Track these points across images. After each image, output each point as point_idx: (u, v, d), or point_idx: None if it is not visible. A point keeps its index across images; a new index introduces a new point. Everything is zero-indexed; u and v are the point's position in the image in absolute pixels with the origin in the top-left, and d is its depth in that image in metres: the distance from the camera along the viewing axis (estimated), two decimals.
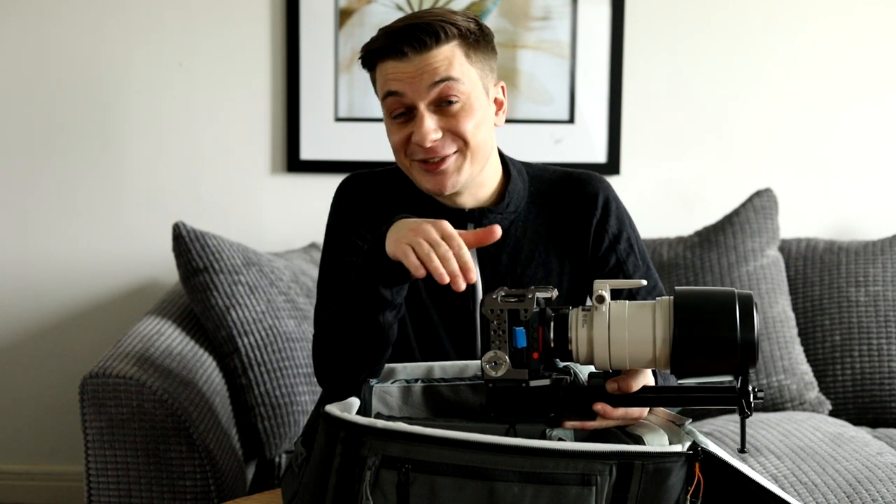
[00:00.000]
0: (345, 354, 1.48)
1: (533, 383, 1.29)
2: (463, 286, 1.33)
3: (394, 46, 1.48)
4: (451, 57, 1.49)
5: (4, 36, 2.67)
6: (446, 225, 1.36)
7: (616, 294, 1.31)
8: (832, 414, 2.43)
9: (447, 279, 1.32)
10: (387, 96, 1.51)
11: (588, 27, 2.69)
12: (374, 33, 1.55)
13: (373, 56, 1.52)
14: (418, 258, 1.33)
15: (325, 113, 2.68)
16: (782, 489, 1.62)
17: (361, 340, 1.45)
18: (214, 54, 2.69)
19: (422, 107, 1.49)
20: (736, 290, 1.24)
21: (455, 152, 1.51)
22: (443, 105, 1.50)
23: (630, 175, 2.76)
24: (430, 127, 1.49)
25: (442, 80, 1.48)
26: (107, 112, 2.69)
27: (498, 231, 1.37)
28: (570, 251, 1.63)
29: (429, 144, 1.49)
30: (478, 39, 1.52)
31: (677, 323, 1.22)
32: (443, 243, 1.33)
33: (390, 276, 1.40)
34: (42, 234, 2.73)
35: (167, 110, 2.70)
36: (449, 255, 1.33)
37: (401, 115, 1.52)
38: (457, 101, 1.50)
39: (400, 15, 2.63)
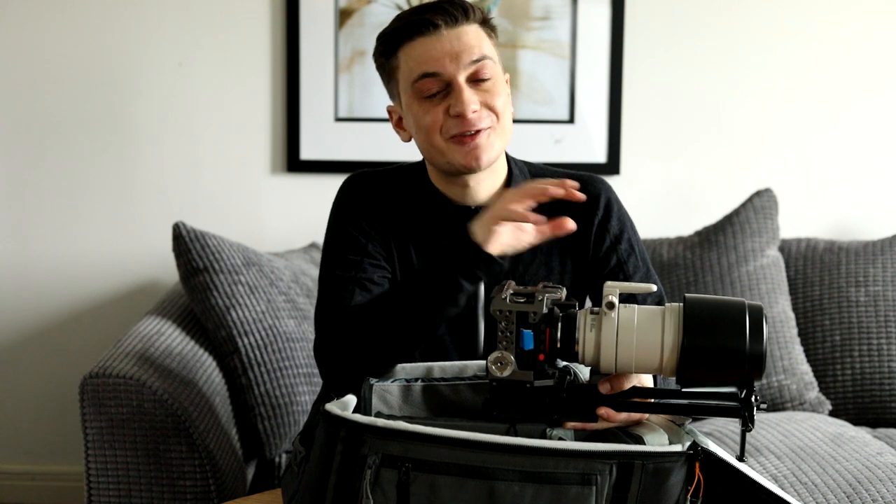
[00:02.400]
0: (385, 347, 1.48)
1: (537, 383, 1.29)
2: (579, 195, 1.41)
3: (426, 21, 1.50)
4: (480, 35, 1.53)
5: (4, 36, 2.67)
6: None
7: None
8: (832, 414, 2.43)
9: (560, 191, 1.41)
10: (421, 78, 1.52)
11: (588, 27, 2.69)
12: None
13: (399, 36, 1.53)
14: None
15: (325, 113, 2.68)
16: (782, 489, 1.62)
17: (415, 335, 1.47)
18: (214, 54, 2.69)
19: (461, 80, 1.51)
20: (746, 301, 1.24)
21: (489, 127, 1.54)
22: (477, 81, 1.53)
23: (630, 175, 2.76)
24: (472, 98, 1.51)
25: (480, 59, 1.52)
26: (107, 112, 2.69)
27: (570, 223, 1.41)
28: (572, 251, 1.63)
29: (470, 115, 1.51)
30: (493, 27, 1.57)
31: (686, 331, 1.22)
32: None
33: (480, 262, 1.43)
34: (42, 234, 2.73)
35: (167, 110, 2.70)
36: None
37: (434, 95, 1.53)
38: (489, 79, 1.54)
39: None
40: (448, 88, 1.52)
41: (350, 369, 1.50)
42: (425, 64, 1.51)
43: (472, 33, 1.52)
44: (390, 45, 1.54)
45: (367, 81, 2.64)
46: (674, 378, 1.26)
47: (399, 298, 1.50)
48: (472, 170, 1.55)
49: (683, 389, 1.29)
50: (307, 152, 2.70)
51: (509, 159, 1.65)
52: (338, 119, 2.68)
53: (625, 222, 1.65)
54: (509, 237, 1.44)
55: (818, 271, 2.54)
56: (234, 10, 2.68)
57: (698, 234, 2.57)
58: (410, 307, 1.48)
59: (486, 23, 1.55)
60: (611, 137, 2.73)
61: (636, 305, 1.27)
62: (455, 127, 1.52)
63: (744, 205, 2.56)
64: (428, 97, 1.53)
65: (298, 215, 2.72)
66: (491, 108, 1.53)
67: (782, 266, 2.54)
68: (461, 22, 1.51)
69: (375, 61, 1.60)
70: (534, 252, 1.61)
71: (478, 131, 1.52)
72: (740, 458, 1.27)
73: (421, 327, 1.47)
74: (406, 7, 2.62)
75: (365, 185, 1.64)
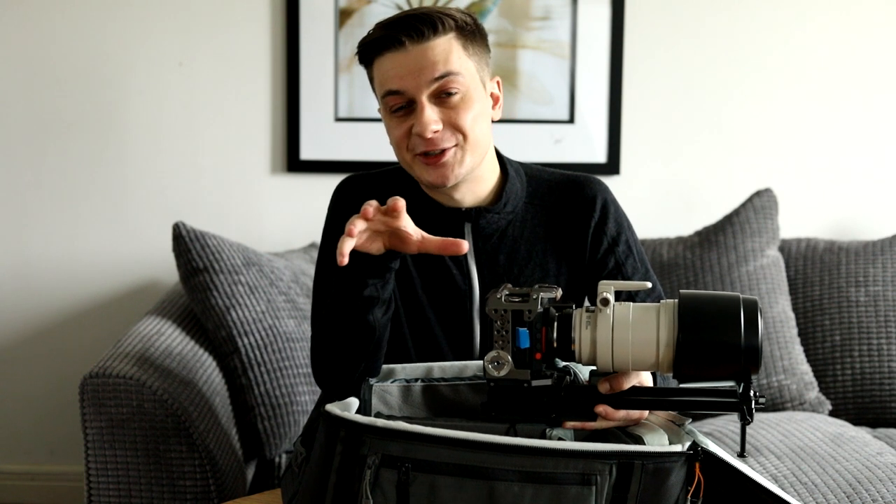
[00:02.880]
0: (338, 354, 1.48)
1: (535, 383, 1.29)
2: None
3: (392, 37, 1.48)
4: (448, 49, 1.49)
5: (4, 36, 2.67)
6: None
7: (616, 295, 1.31)
8: (832, 414, 2.43)
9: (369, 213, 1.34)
10: (386, 95, 1.51)
11: (588, 27, 2.69)
12: None
13: (370, 49, 1.52)
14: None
15: (325, 113, 2.68)
16: (782, 489, 1.62)
17: (353, 340, 1.46)
18: (214, 54, 2.69)
19: (422, 98, 1.49)
20: (741, 295, 1.24)
21: (454, 146, 1.51)
22: (442, 97, 1.50)
23: (630, 175, 2.76)
24: (431, 118, 1.49)
25: (443, 76, 1.48)
26: (107, 112, 2.69)
27: (464, 246, 1.38)
28: (568, 253, 1.62)
29: (429, 135, 1.49)
30: (473, 32, 1.53)
31: (681, 327, 1.22)
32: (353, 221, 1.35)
33: (371, 266, 1.41)
34: (42, 234, 2.73)
35: (167, 110, 2.70)
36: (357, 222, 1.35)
37: (400, 108, 1.52)
38: (456, 93, 1.50)
39: None
40: (412, 105, 1.50)
41: (331, 372, 1.51)
42: (390, 81, 1.50)
43: (439, 47, 1.48)
44: (365, 56, 1.53)
45: (367, 81, 2.63)
46: (672, 376, 1.26)
47: (329, 303, 1.50)
48: (441, 186, 1.54)
49: (682, 385, 1.29)
50: (307, 152, 2.70)
51: (504, 160, 1.64)
52: (338, 119, 2.68)
53: (622, 224, 1.65)
54: (374, 248, 1.39)
55: (818, 271, 2.53)
56: (234, 10, 2.68)
57: (698, 234, 2.57)
58: (337, 312, 1.47)
59: (463, 31, 1.51)
60: (611, 137, 2.73)
61: (631, 303, 1.27)
62: (419, 145, 1.51)
63: (744, 205, 2.56)
64: (395, 111, 1.52)
65: (298, 215, 2.72)
66: (455, 127, 1.50)
67: (782, 266, 2.54)
68: (428, 37, 1.47)
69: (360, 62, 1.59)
70: (529, 254, 1.61)
71: (443, 150, 1.50)
72: (741, 454, 1.27)
73: (352, 331, 1.45)
74: (406, 7, 2.62)
75: (358, 189, 1.64)
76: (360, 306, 1.44)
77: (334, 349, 1.48)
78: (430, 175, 1.53)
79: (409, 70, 1.48)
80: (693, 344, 1.22)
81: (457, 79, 1.49)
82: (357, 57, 1.56)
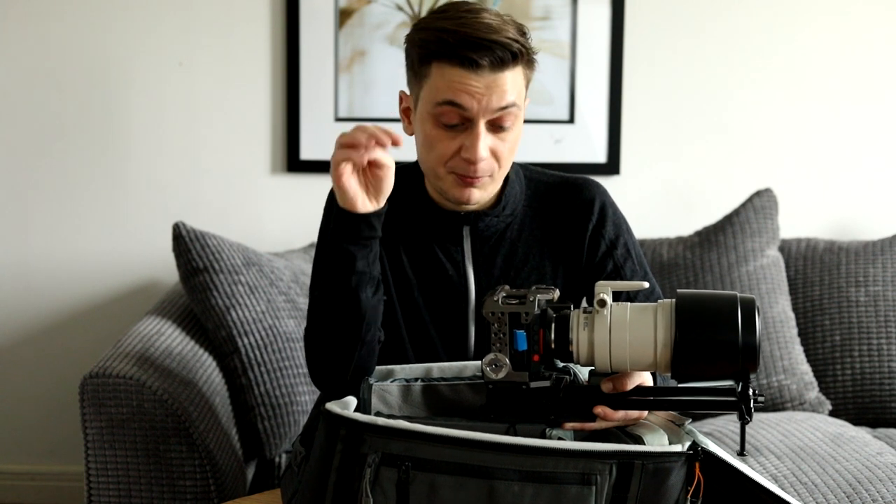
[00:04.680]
0: (331, 341, 1.47)
1: (533, 384, 1.29)
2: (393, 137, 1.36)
3: (470, 58, 1.42)
4: (519, 83, 1.47)
5: (4, 36, 2.67)
6: (345, 134, 1.38)
7: (615, 296, 1.31)
8: (832, 414, 2.43)
9: (385, 140, 1.36)
10: (445, 103, 1.46)
11: (588, 27, 2.69)
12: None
13: (441, 52, 1.45)
14: (347, 163, 1.38)
15: (325, 113, 2.68)
16: (782, 489, 1.62)
17: (345, 321, 1.45)
18: (214, 54, 2.69)
19: (482, 124, 1.46)
20: (738, 294, 1.24)
21: (489, 175, 1.51)
22: (497, 126, 1.48)
23: (630, 175, 2.76)
24: (486, 146, 1.47)
25: (508, 106, 1.46)
26: (107, 112, 2.70)
27: (399, 139, 1.38)
28: (565, 256, 1.62)
29: (479, 163, 1.48)
30: (532, 61, 1.50)
31: (678, 326, 1.22)
32: (352, 134, 1.37)
33: (350, 228, 1.42)
34: (42, 234, 2.73)
35: (167, 110, 2.70)
36: (357, 134, 1.36)
37: (453, 125, 1.48)
38: (510, 127, 1.49)
39: (400, 16, 2.63)
40: (466, 124, 1.47)
41: (323, 364, 1.50)
42: (454, 93, 1.44)
43: (512, 78, 1.45)
44: (426, 53, 1.47)
45: (368, 81, 2.64)
46: (671, 376, 1.26)
47: (316, 282, 1.51)
48: (461, 204, 1.54)
49: (681, 385, 1.29)
50: (307, 152, 2.70)
51: None
52: (338, 119, 2.68)
53: (620, 226, 1.64)
54: (353, 183, 1.40)
55: (818, 271, 2.54)
56: (234, 10, 2.68)
57: (698, 234, 2.57)
58: (324, 290, 1.47)
59: (530, 63, 1.48)
60: (611, 137, 2.73)
61: (628, 303, 1.27)
62: (461, 168, 1.49)
63: (744, 205, 2.56)
64: (444, 125, 1.48)
65: (298, 215, 2.72)
66: (497, 158, 1.50)
67: (782, 266, 2.54)
68: (506, 66, 1.44)
69: (407, 44, 1.52)
70: (526, 256, 1.61)
71: (479, 177, 1.50)
72: (741, 453, 1.27)
73: (339, 306, 1.45)
74: (406, 7, 2.62)
75: None
76: (351, 284, 1.43)
77: (327, 336, 1.47)
78: (459, 193, 1.52)
79: (479, 92, 1.44)
80: (690, 343, 1.22)
81: (516, 112, 1.48)
82: (415, 42, 1.49)
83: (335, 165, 1.39)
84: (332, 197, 1.65)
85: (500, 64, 1.43)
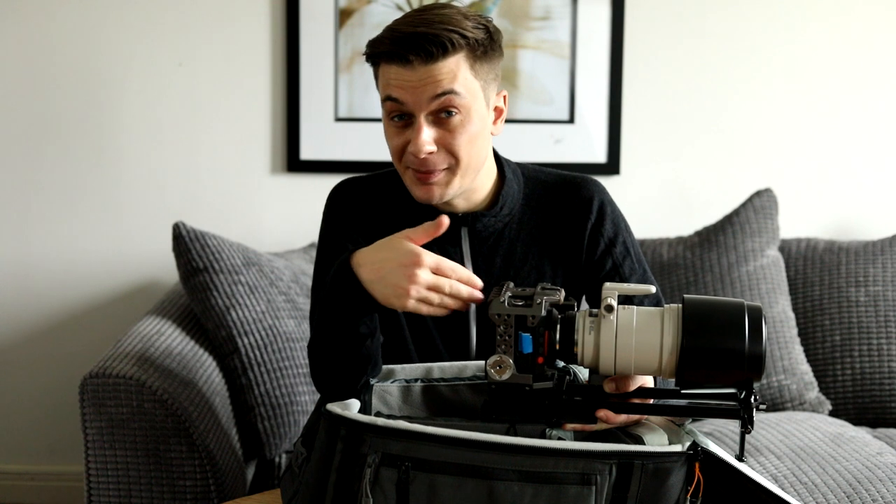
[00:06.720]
0: (336, 373, 1.47)
1: (536, 385, 1.29)
2: (481, 297, 1.35)
3: (399, 53, 1.45)
4: (455, 70, 1.46)
5: (4, 35, 2.67)
6: (426, 256, 1.33)
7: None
8: (832, 414, 2.43)
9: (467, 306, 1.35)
10: (387, 100, 1.50)
11: (588, 27, 2.69)
12: (374, 33, 1.54)
13: (379, 55, 1.50)
14: (432, 306, 1.34)
15: (324, 113, 2.68)
16: (782, 489, 1.62)
17: (348, 365, 1.45)
18: (214, 54, 2.69)
19: (420, 118, 1.47)
20: (746, 302, 1.24)
21: (445, 168, 1.50)
22: (441, 115, 1.48)
23: (630, 175, 2.76)
24: (426, 140, 1.47)
25: (443, 94, 1.46)
26: (107, 112, 2.70)
27: (445, 221, 1.36)
28: (564, 255, 1.62)
29: (423, 156, 1.48)
30: (485, 50, 1.49)
31: (685, 333, 1.21)
32: (443, 280, 1.33)
33: (362, 306, 1.39)
34: (42, 234, 2.73)
35: (167, 110, 2.70)
36: (457, 287, 1.34)
37: (399, 117, 1.50)
38: (456, 114, 1.48)
39: (400, 15, 2.63)
40: (410, 119, 1.49)
41: (328, 382, 1.50)
42: (391, 89, 1.48)
43: (445, 68, 1.45)
44: (372, 57, 1.51)
45: (367, 81, 2.63)
46: (674, 383, 1.26)
47: (319, 327, 1.48)
48: (428, 202, 1.53)
49: (683, 391, 1.29)
50: (307, 152, 2.70)
51: (502, 162, 1.64)
52: (338, 119, 2.68)
53: (619, 225, 1.64)
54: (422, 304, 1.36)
55: (818, 271, 2.54)
56: (234, 10, 2.68)
57: (698, 234, 2.57)
58: (329, 339, 1.45)
59: (474, 50, 1.47)
60: (611, 137, 2.73)
61: (635, 307, 1.27)
62: (412, 162, 1.50)
63: (744, 205, 2.56)
64: (393, 119, 1.51)
65: (298, 215, 2.72)
66: (449, 150, 1.49)
67: (782, 266, 2.54)
68: (437, 58, 1.44)
69: None
70: (525, 256, 1.61)
71: (434, 171, 1.49)
72: (739, 459, 1.27)
73: (344, 356, 1.44)
74: (406, 8, 2.62)
75: (352, 193, 1.63)
76: (354, 342, 1.43)
77: (332, 370, 1.48)
78: (418, 190, 1.52)
79: (411, 86, 1.46)
80: (696, 350, 1.21)
81: (457, 99, 1.47)
82: (364, 56, 1.54)
83: (416, 293, 1.33)
84: (329, 205, 1.64)
85: (430, 57, 1.44)
